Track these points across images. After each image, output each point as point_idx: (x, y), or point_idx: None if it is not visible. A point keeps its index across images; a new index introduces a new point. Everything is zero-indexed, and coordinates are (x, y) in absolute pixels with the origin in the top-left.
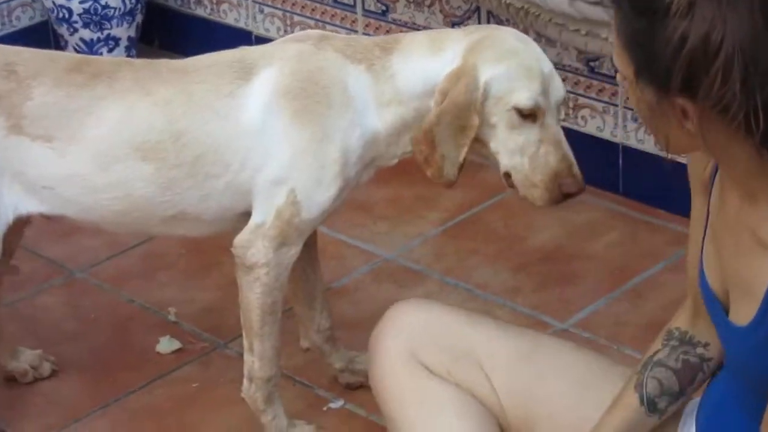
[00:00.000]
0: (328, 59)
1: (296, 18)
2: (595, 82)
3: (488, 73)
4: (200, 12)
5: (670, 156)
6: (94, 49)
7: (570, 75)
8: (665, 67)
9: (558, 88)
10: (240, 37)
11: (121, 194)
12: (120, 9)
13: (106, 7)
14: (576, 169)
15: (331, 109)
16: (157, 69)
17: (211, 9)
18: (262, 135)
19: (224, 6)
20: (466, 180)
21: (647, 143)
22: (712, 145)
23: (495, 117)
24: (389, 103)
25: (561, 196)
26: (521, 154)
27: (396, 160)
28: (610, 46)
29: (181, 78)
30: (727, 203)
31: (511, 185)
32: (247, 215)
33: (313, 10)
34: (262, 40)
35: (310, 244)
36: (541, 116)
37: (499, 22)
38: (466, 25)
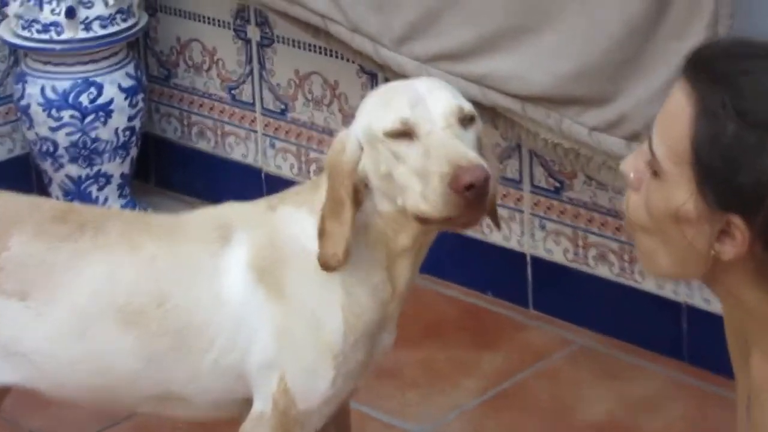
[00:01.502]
0: (277, 217)
1: (312, 154)
2: None
3: (354, 126)
4: (203, 146)
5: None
6: (82, 187)
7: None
8: (751, 186)
9: (440, 98)
10: (248, 175)
11: (99, 366)
12: (112, 142)
13: (96, 140)
14: (466, 159)
15: (293, 273)
16: (146, 221)
17: (216, 142)
18: (243, 311)
19: (230, 139)
20: (505, 342)
21: (714, 303)
22: (732, 276)
23: (382, 164)
24: None
25: (458, 195)
26: (413, 180)
27: (405, 285)
28: None
29: (170, 234)
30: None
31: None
32: (250, 401)
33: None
34: (273, 180)
35: (341, 418)
36: (417, 130)
37: (544, 164)
38: None
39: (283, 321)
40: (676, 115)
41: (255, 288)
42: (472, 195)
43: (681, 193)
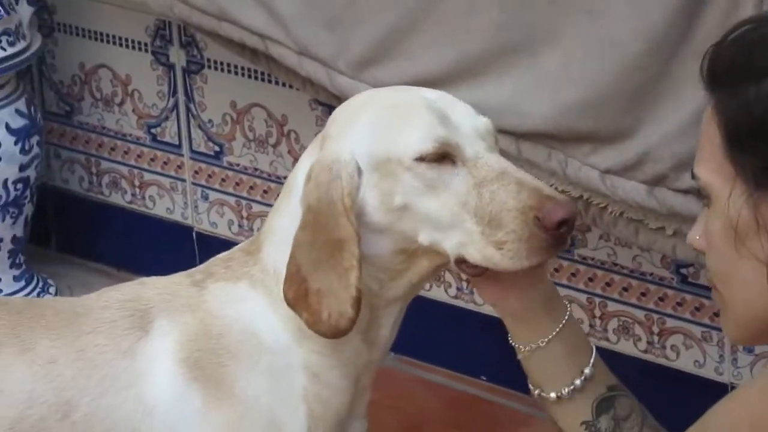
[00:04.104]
0: (209, 297)
1: (255, 207)
2: (688, 297)
3: (345, 145)
4: (116, 199)
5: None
6: None
7: (652, 287)
8: None
9: (466, 113)
10: (175, 236)
11: None
12: (0, 197)
13: None
14: (548, 188)
15: (238, 364)
16: (40, 311)
17: (133, 195)
18: (174, 418)
19: (152, 190)
20: (478, 417)
21: None
22: None
23: (398, 195)
24: None
25: (550, 234)
26: (460, 217)
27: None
28: None
29: (70, 325)
30: None
31: (473, 271)
32: None
33: (277, 196)
34: (207, 241)
35: None
36: (457, 152)
37: None
38: None
39: (231, 428)
40: (706, 126)
41: (188, 388)
42: (565, 232)
43: (732, 200)
